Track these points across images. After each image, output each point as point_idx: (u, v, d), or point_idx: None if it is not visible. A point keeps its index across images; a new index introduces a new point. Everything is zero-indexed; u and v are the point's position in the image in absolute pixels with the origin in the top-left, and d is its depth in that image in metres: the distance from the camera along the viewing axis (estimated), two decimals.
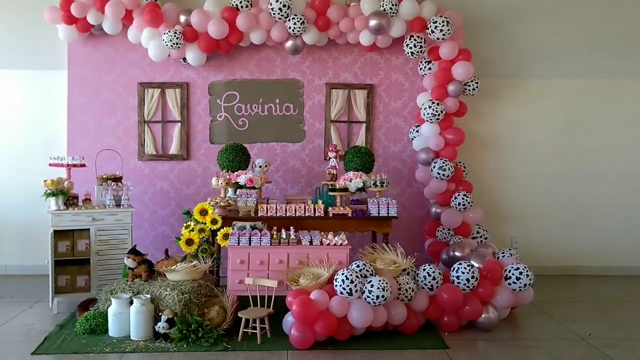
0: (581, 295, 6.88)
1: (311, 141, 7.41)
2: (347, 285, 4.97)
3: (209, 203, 5.89)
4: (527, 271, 5.58)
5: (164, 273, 5.46)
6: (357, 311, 4.98)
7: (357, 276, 5.02)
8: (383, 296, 4.98)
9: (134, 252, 5.51)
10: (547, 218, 7.76)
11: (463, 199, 6.93)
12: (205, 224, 5.72)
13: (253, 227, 5.61)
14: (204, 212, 5.74)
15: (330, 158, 6.64)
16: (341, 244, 5.54)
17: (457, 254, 6.45)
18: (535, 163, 7.71)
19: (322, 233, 5.67)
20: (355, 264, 5.29)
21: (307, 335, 4.92)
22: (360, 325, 5.02)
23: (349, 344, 5.06)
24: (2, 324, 5.48)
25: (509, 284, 5.59)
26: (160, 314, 5.13)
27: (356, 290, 4.99)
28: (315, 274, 5.34)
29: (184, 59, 6.96)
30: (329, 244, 5.53)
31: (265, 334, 5.16)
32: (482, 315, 5.48)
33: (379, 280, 5.02)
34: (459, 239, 6.88)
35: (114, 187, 6.08)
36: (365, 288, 5.02)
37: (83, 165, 6.15)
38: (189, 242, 5.64)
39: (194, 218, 5.74)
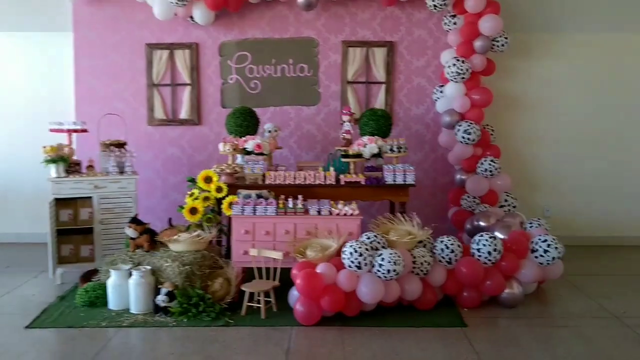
0: (618, 269, 6.37)
1: (327, 104, 6.98)
2: (356, 259, 4.61)
3: (214, 170, 5.57)
4: (555, 243, 5.12)
5: (166, 243, 5.20)
6: (366, 286, 4.63)
7: (366, 249, 4.65)
8: (394, 270, 4.61)
9: (135, 221, 5.26)
10: (583, 186, 7.21)
11: (490, 164, 6.44)
12: (210, 192, 5.41)
13: (259, 196, 5.28)
14: (208, 180, 5.43)
15: (344, 122, 6.22)
16: (352, 214, 5.16)
17: (481, 223, 6.00)
18: (571, 126, 7.14)
19: (332, 202, 5.29)
20: (366, 235, 4.92)
21: (312, 310, 4.61)
22: (370, 300, 4.68)
23: (358, 320, 4.74)
24: (3, 295, 5.34)
25: (536, 257, 5.15)
26: (160, 286, 4.89)
27: (365, 264, 4.63)
28: (323, 245, 4.99)
29: (191, 17, 6.58)
30: (338, 214, 5.16)
31: (270, 308, 4.89)
32: (505, 291, 5.08)
33: (390, 254, 4.64)
34: (485, 207, 6.42)
35: (117, 154, 5.82)
36: (376, 262, 4.66)
37: (84, 131, 5.90)
38: (193, 211, 5.34)
39: (198, 186, 5.44)
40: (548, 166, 7.21)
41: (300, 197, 5.30)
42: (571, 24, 6.99)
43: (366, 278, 4.66)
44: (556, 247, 5.10)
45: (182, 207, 5.37)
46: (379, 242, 4.87)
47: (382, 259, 4.63)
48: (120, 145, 5.92)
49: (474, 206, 6.54)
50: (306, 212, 5.18)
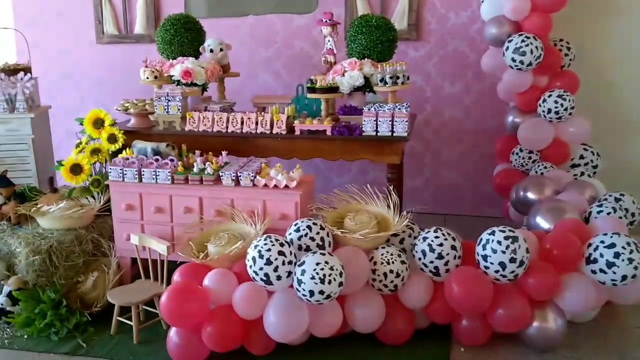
0: None
1: (326, 10, 4.89)
2: (261, 268, 2.79)
3: (117, 108, 3.88)
4: (631, 250, 2.91)
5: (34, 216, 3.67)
6: (275, 313, 2.81)
7: (279, 252, 2.80)
8: (322, 292, 2.73)
9: (0, 181, 3.77)
10: None
11: (557, 101, 4.14)
12: (102, 142, 3.75)
13: (156, 152, 3.54)
14: (98, 124, 3.76)
15: (325, 37, 4.19)
16: (286, 186, 3.27)
17: (530, 195, 3.85)
18: None
19: (264, 165, 3.43)
20: (296, 225, 3.03)
21: (194, 346, 2.90)
22: (281, 337, 2.87)
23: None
24: None
25: (593, 271, 2.99)
26: (3, 282, 3.42)
27: (278, 277, 2.80)
28: (238, 235, 3.20)
29: None
30: (266, 186, 3.30)
31: (155, 325, 3.25)
32: (533, 324, 3.02)
33: (318, 263, 2.75)
34: (546, 168, 4.19)
35: (7, 83, 4.28)
36: (295, 274, 2.81)
37: None
38: (75, 169, 3.73)
39: (87, 132, 3.79)
40: None
41: (223, 154, 3.50)
42: None
43: (277, 300, 2.83)
44: (630, 259, 2.89)
45: (61, 163, 3.76)
46: (313, 239, 2.96)
47: (303, 272, 2.77)
48: (17, 70, 4.37)
49: (529, 164, 4.33)
50: (217, 179, 3.36)
